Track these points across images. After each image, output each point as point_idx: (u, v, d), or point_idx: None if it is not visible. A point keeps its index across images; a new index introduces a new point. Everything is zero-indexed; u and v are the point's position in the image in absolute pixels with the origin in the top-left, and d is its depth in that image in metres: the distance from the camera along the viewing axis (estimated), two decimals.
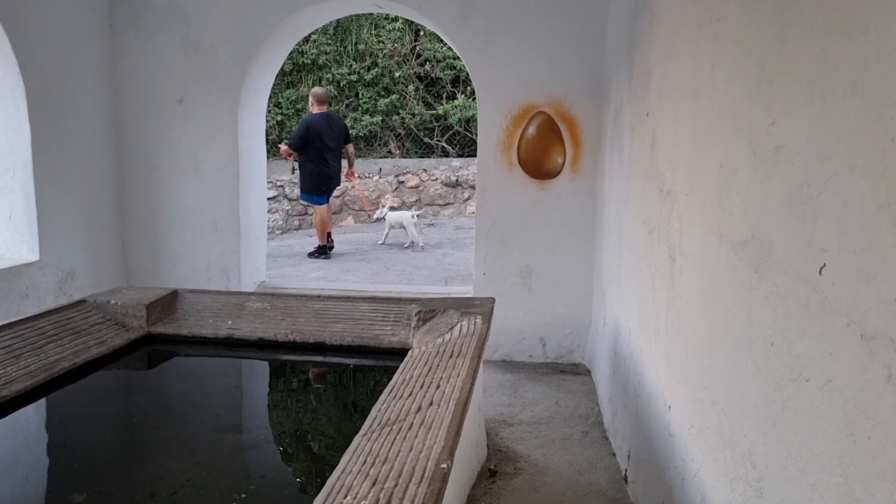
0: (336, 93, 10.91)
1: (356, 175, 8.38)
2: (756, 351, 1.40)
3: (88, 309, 2.91)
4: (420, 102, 11.19)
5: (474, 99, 4.45)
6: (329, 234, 7.54)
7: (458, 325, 2.67)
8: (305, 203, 8.44)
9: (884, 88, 0.96)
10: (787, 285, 1.25)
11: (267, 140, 5.63)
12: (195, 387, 2.69)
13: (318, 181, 7.24)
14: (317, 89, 7.41)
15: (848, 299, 1.03)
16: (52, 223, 3.98)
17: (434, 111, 11.14)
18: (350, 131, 9.08)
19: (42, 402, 2.35)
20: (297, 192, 9.75)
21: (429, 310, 2.81)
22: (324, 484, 1.51)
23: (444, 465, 1.51)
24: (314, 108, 7.20)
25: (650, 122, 2.62)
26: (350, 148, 7.61)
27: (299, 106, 10.81)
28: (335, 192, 9.11)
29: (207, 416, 2.36)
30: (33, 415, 2.30)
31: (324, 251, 7.48)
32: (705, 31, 1.90)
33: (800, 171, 1.22)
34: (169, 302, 3.08)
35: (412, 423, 1.78)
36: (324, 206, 7.44)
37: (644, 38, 2.80)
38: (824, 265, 1.11)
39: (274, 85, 5.28)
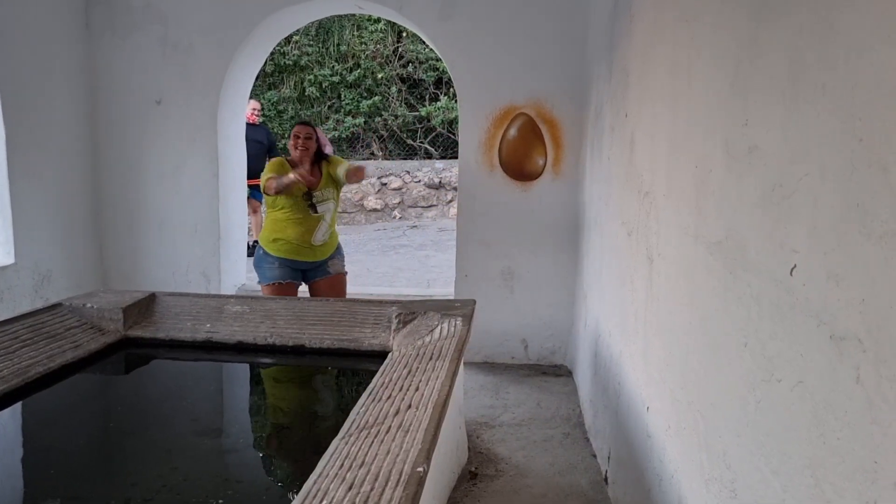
0: (318, 94, 10.88)
1: None
2: (730, 352, 1.41)
3: (64, 312, 2.87)
4: (403, 104, 11.18)
5: (457, 100, 4.44)
6: None
7: (439, 327, 2.66)
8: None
9: (852, 88, 0.96)
10: (760, 286, 1.26)
11: None
12: (173, 391, 2.66)
13: None
14: None
15: (818, 300, 1.04)
16: (28, 225, 3.92)
17: (417, 113, 11.13)
18: (332, 133, 9.08)
19: (17, 406, 2.31)
20: None
21: (409, 312, 2.80)
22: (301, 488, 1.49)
23: (421, 469, 1.51)
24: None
25: (629, 124, 2.62)
26: None
27: (281, 108, 10.76)
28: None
29: (185, 420, 2.34)
30: (8, 420, 2.27)
31: None
32: (682, 32, 1.90)
33: (772, 172, 1.23)
34: (146, 305, 3.04)
35: (390, 427, 1.77)
36: None
37: (623, 39, 2.81)
38: (795, 266, 1.12)
39: (255, 86, 5.26)
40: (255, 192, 7.58)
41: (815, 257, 1.05)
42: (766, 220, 1.24)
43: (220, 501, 1.73)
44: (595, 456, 3.04)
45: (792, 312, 1.12)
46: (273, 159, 3.80)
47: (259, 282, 3.78)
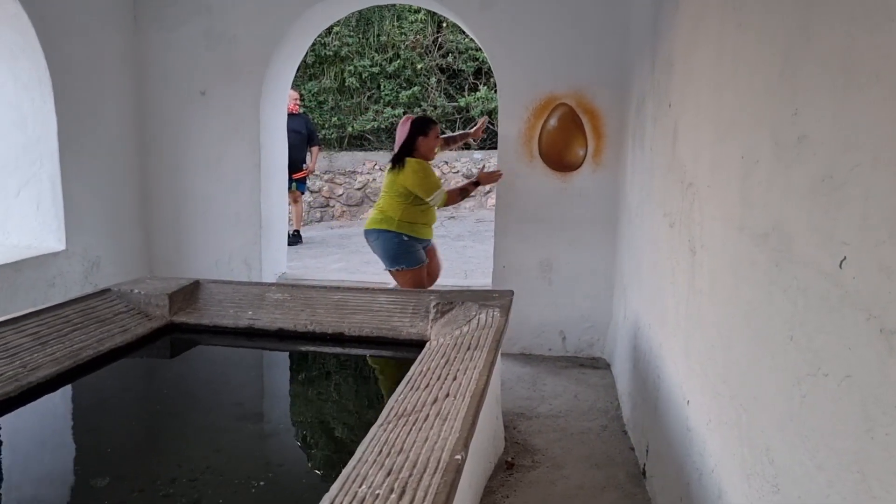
0: (358, 85, 10.92)
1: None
2: (775, 345, 1.38)
3: (113, 298, 2.96)
4: (442, 94, 11.16)
5: (496, 91, 4.41)
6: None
7: (477, 317, 2.67)
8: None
9: None
10: (808, 278, 1.23)
11: None
12: (216, 375, 2.72)
13: None
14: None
15: (868, 293, 1.01)
16: (79, 214, 4.04)
17: (456, 103, 11.10)
18: (371, 123, 9.19)
19: (68, 388, 2.40)
20: (318, 183, 9.85)
21: (447, 302, 2.82)
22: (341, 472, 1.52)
23: (459, 457, 1.52)
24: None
25: (672, 114, 2.58)
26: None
27: (321, 98, 10.84)
28: (357, 185, 9.55)
29: (228, 404, 2.39)
30: (59, 401, 2.35)
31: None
32: (728, 20, 1.87)
33: (822, 162, 1.20)
34: (191, 292, 3.11)
35: (428, 415, 1.79)
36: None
37: (667, 28, 2.76)
38: (845, 258, 1.09)
39: (296, 77, 5.30)
40: (299, 184, 7.70)
41: (865, 249, 1.03)
42: (815, 211, 1.22)
43: (262, 484, 1.77)
44: (633, 449, 3.01)
45: (840, 305, 1.09)
46: (419, 162, 3.96)
47: (406, 267, 3.98)
